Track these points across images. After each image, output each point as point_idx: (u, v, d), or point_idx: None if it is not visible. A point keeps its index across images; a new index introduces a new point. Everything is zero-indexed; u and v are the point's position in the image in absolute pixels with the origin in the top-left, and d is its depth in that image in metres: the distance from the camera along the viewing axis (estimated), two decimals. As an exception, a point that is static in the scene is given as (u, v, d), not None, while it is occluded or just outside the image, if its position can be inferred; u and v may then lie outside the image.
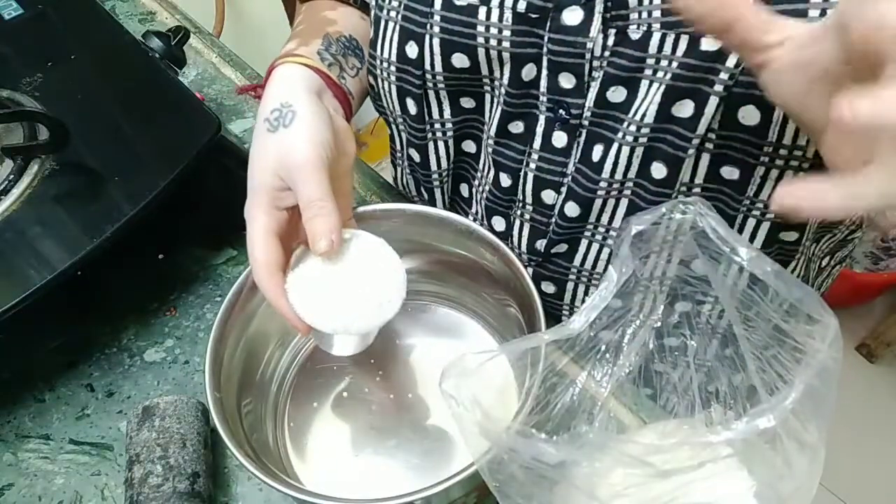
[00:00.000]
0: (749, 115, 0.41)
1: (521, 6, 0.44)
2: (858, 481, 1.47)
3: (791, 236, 0.51)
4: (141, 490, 0.50)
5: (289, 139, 0.44)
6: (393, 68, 0.51)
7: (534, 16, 0.44)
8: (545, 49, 0.45)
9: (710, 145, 0.44)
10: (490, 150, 0.53)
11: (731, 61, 0.40)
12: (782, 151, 0.42)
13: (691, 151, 0.44)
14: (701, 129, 0.43)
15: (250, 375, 0.54)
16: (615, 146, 0.46)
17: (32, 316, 0.51)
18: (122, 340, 0.64)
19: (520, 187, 0.54)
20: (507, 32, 0.45)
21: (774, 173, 0.44)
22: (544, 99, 0.48)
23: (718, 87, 0.41)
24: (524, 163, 0.52)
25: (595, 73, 0.45)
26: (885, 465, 1.49)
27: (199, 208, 0.65)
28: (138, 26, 0.88)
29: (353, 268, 0.45)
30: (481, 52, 0.47)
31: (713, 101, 0.42)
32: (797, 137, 0.41)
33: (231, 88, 0.81)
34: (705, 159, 0.45)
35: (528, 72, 0.47)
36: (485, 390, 0.38)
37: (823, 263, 0.63)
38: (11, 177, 0.55)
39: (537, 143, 0.51)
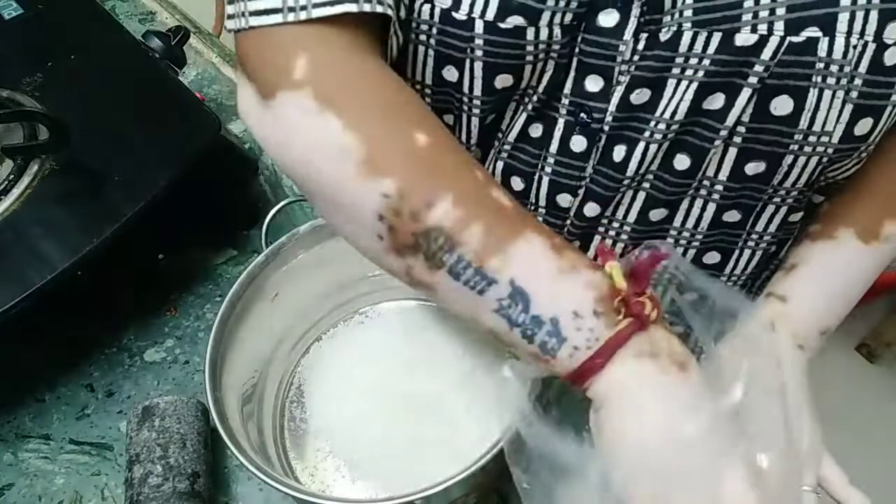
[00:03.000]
0: (781, 105, 0.42)
1: (568, 18, 0.43)
2: (858, 481, 1.47)
3: (797, 216, 0.53)
4: (141, 490, 0.50)
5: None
6: (428, 91, 0.49)
7: (575, 23, 0.44)
8: (577, 50, 0.45)
9: (738, 139, 0.44)
10: (505, 155, 0.53)
11: (766, 53, 0.40)
12: (811, 138, 0.43)
13: (718, 143, 0.44)
14: (730, 120, 0.43)
15: (250, 375, 0.54)
16: (641, 145, 0.46)
17: (32, 316, 0.51)
18: (122, 340, 0.64)
19: (533, 191, 0.53)
20: (556, 46, 0.44)
21: (802, 160, 0.44)
22: (566, 101, 0.47)
23: (753, 80, 0.41)
24: (539, 167, 0.52)
25: (622, 77, 0.45)
26: (885, 465, 1.49)
27: (199, 208, 0.65)
28: (138, 26, 0.88)
29: None
30: (528, 69, 0.45)
31: (746, 94, 0.42)
32: (826, 124, 0.42)
33: (231, 88, 0.81)
34: (732, 153, 0.45)
35: (557, 74, 0.47)
36: None
37: None
38: (11, 177, 0.55)
39: (554, 147, 0.50)
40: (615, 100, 0.45)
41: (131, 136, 0.61)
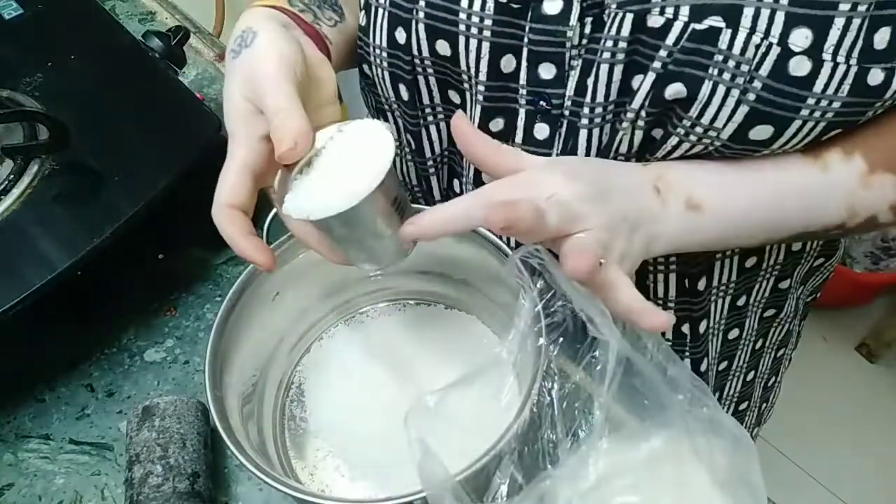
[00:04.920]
0: (675, 92, 0.42)
1: None
2: (858, 481, 1.47)
3: (751, 262, 0.56)
4: (141, 490, 0.50)
5: (251, 56, 0.43)
6: (384, 54, 0.52)
7: (515, 6, 0.45)
8: (525, 40, 0.46)
9: (641, 122, 0.45)
10: None
11: (670, 38, 0.41)
12: (698, 129, 0.43)
13: (626, 125, 0.45)
14: (636, 103, 0.44)
15: (250, 375, 0.54)
16: (584, 131, 0.48)
17: (32, 316, 0.51)
18: (122, 340, 0.64)
19: None
20: (488, 21, 0.46)
21: (685, 146, 0.45)
22: (524, 92, 0.49)
23: (657, 64, 0.42)
24: None
25: (574, 62, 0.46)
26: (885, 465, 1.49)
27: (199, 208, 0.65)
28: (138, 26, 0.88)
29: (330, 157, 0.42)
30: (462, 40, 0.47)
31: (651, 77, 0.43)
32: (715, 120, 0.42)
33: (231, 88, 0.81)
34: (639, 136, 0.46)
35: (506, 63, 0.48)
36: (453, 426, 0.40)
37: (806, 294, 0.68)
38: (11, 177, 0.55)
39: (519, 137, 0.51)
40: (571, 84, 0.46)
41: (131, 136, 0.61)
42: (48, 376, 0.62)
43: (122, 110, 0.62)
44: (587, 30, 0.44)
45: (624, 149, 0.47)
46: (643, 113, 0.44)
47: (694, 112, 0.42)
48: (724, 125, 0.42)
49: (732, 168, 0.45)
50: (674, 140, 0.45)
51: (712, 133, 0.43)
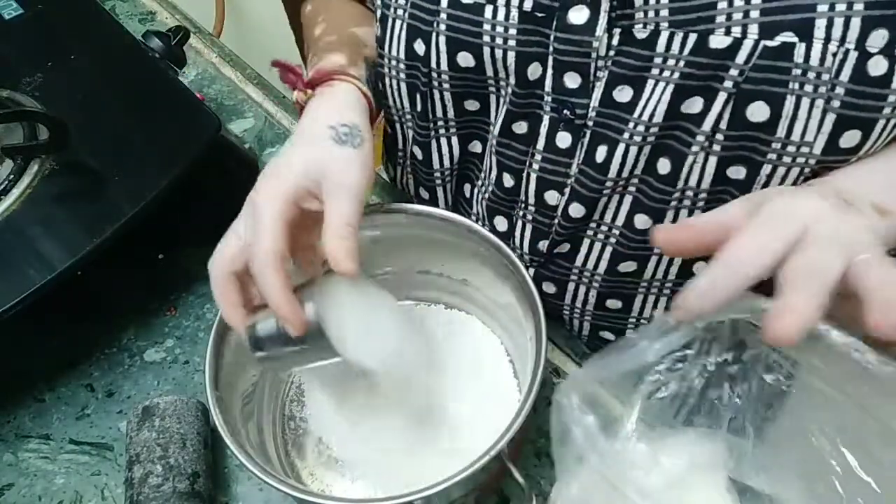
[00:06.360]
0: (758, 112, 0.41)
1: (528, 5, 0.44)
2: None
3: None
4: (141, 490, 0.50)
5: (351, 158, 0.45)
6: (402, 66, 0.52)
7: (540, 15, 0.45)
8: (551, 48, 0.45)
9: (717, 147, 0.44)
10: (493, 150, 0.53)
11: (741, 57, 0.40)
12: (790, 148, 0.42)
13: (696, 149, 0.44)
14: (707, 125, 0.43)
15: (250, 375, 0.54)
16: (622, 146, 0.46)
17: (32, 316, 0.51)
18: (122, 340, 0.64)
19: (522, 188, 0.54)
20: (513, 31, 0.45)
21: (781, 171, 0.43)
22: (549, 99, 0.48)
23: (728, 84, 0.41)
24: (527, 163, 0.52)
25: (600, 73, 0.45)
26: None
27: (199, 208, 0.65)
28: (138, 26, 0.88)
29: (378, 303, 0.45)
30: (486, 51, 0.47)
31: (721, 98, 0.42)
32: (805, 134, 0.41)
33: (231, 88, 0.81)
34: (713, 161, 0.45)
35: (533, 71, 0.47)
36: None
37: None
38: (11, 177, 0.55)
39: (541, 144, 0.51)
40: (597, 95, 0.46)
41: (131, 136, 0.61)
42: (48, 376, 0.62)
43: (122, 110, 0.62)
44: (615, 41, 0.43)
45: (694, 180, 0.46)
46: (719, 137, 0.43)
47: (782, 131, 0.41)
48: (815, 138, 0.41)
49: (882, 163, 0.42)
50: (767, 169, 0.43)
51: (805, 149, 0.41)
